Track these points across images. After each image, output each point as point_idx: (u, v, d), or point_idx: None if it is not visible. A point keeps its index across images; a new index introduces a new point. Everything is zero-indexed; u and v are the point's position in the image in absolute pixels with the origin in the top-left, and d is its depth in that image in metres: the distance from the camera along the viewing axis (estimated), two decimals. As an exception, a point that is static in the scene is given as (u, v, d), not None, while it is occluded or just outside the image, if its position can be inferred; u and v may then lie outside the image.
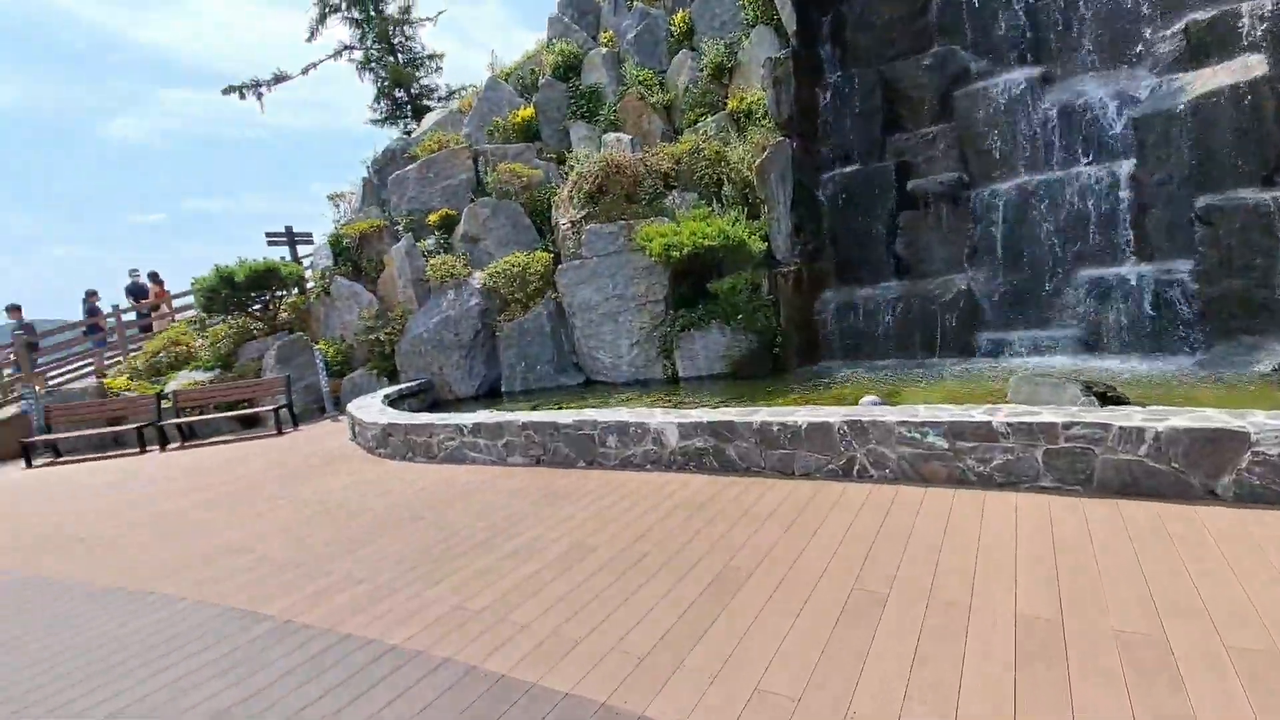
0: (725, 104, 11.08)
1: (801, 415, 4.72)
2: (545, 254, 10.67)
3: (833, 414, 4.64)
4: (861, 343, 8.89)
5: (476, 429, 6.35)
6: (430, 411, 8.66)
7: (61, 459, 10.49)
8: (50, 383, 12.95)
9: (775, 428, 4.71)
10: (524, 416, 6.14)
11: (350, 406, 8.61)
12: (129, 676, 3.15)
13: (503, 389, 10.55)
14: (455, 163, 12.61)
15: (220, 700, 2.85)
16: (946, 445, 4.19)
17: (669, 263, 9.02)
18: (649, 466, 5.38)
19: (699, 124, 11.09)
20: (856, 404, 5.57)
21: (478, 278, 11.01)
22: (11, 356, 12.66)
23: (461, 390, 10.63)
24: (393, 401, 9.03)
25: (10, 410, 11.84)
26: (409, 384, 10.44)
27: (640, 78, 12.22)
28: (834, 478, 4.58)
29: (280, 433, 10.02)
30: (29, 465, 10.21)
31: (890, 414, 4.44)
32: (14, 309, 13.36)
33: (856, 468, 4.50)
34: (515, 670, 2.77)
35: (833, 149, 9.61)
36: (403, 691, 2.73)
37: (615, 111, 12.28)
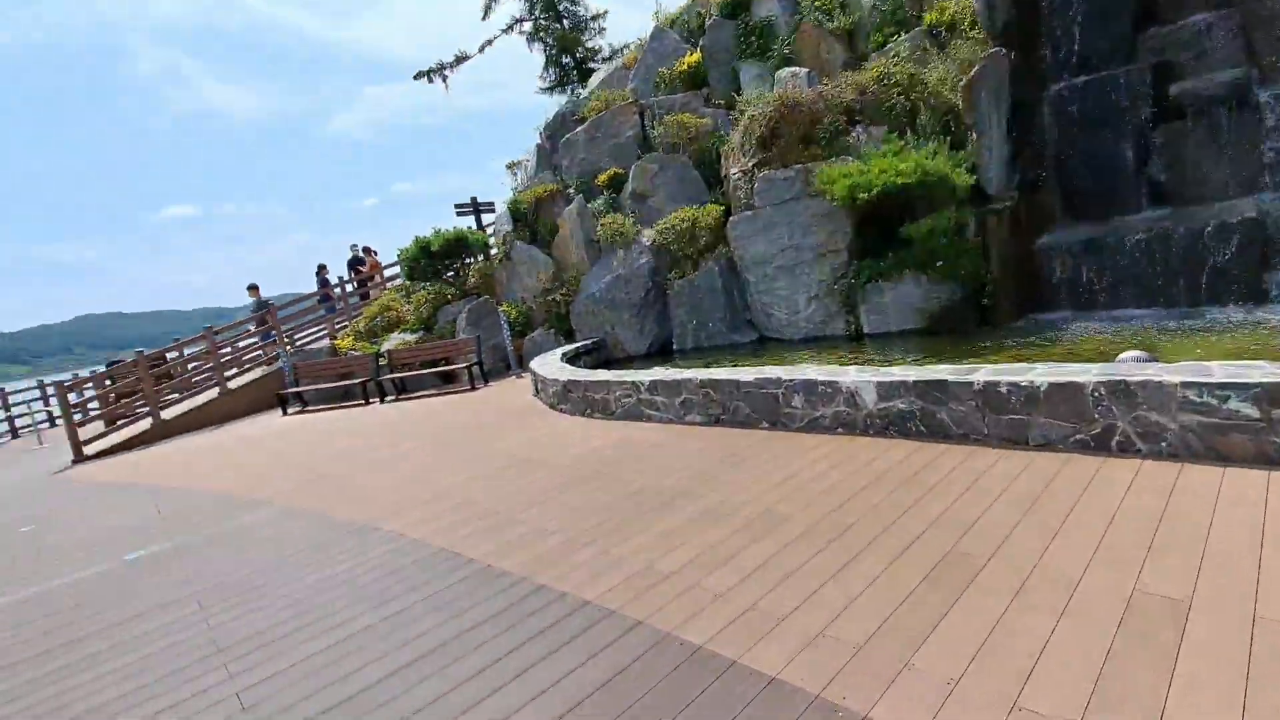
0: (921, 19, 9.67)
1: (1040, 374, 3.92)
2: (715, 207, 10.26)
3: (1083, 372, 3.80)
4: (1099, 289, 7.38)
5: (654, 386, 6.26)
6: (603, 369, 8.79)
7: (308, 408, 12.39)
8: (296, 344, 15.34)
9: (1004, 388, 3.98)
10: (702, 374, 5.91)
11: (533, 364, 9.04)
12: (364, 602, 3.46)
13: (674, 347, 10.47)
14: (621, 120, 12.53)
15: (437, 635, 3.00)
16: (1257, 414, 3.21)
17: (854, 207, 8.17)
18: (840, 430, 4.89)
19: (888, 46, 9.82)
20: (1108, 361, 4.55)
21: (647, 236, 10.92)
22: (250, 329, 15.22)
23: (633, 348, 10.73)
24: (569, 359, 9.32)
25: (259, 372, 14.22)
26: (583, 343, 10.74)
27: (817, 3, 11.09)
28: (1084, 450, 3.76)
29: (474, 388, 10.88)
30: (284, 413, 12.19)
31: (1169, 373, 3.51)
32: (253, 288, 15.96)
33: (1116, 439, 3.65)
34: (713, 643, 2.57)
35: (1063, 56, 7.96)
36: (599, 650, 2.65)
37: (789, 45, 11.32)
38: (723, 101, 11.88)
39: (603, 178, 12.06)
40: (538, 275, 12.20)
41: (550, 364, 8.63)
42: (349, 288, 17.11)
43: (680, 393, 6.01)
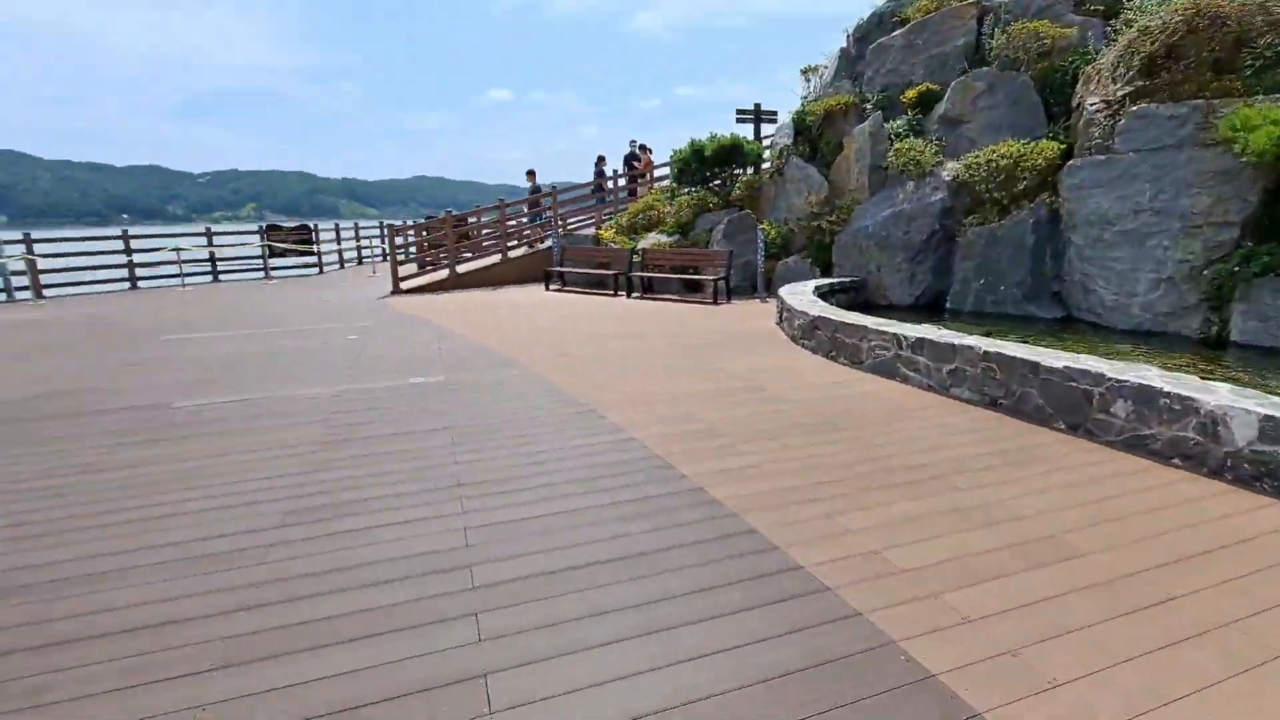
0: None
1: None
2: (1051, 144, 8.27)
3: None
4: None
5: (919, 345, 5.39)
6: (857, 312, 7.95)
7: (566, 288, 13.47)
8: (568, 228, 16.62)
9: None
10: (987, 344, 4.90)
11: (782, 291, 8.50)
12: (583, 484, 3.56)
13: (947, 304, 9.07)
14: (953, 24, 10.53)
15: (641, 542, 2.94)
16: None
17: (1273, 167, 5.90)
18: (1176, 461, 3.68)
19: None
20: None
21: (948, 169, 9.33)
22: (525, 208, 16.70)
23: (896, 296, 9.54)
24: (822, 294, 8.60)
25: (523, 249, 15.67)
26: (841, 279, 9.84)
27: None
28: None
29: (716, 302, 10.74)
30: (547, 288, 13.41)
31: None
32: (530, 174, 17.39)
33: None
34: (951, 678, 2.06)
35: None
36: (804, 627, 2.31)
37: (1228, -67, 8.25)
38: (1102, 7, 9.25)
39: (911, 94, 10.44)
40: (808, 197, 11.30)
41: (801, 295, 8.04)
42: (621, 182, 17.84)
43: (952, 359, 5.09)
